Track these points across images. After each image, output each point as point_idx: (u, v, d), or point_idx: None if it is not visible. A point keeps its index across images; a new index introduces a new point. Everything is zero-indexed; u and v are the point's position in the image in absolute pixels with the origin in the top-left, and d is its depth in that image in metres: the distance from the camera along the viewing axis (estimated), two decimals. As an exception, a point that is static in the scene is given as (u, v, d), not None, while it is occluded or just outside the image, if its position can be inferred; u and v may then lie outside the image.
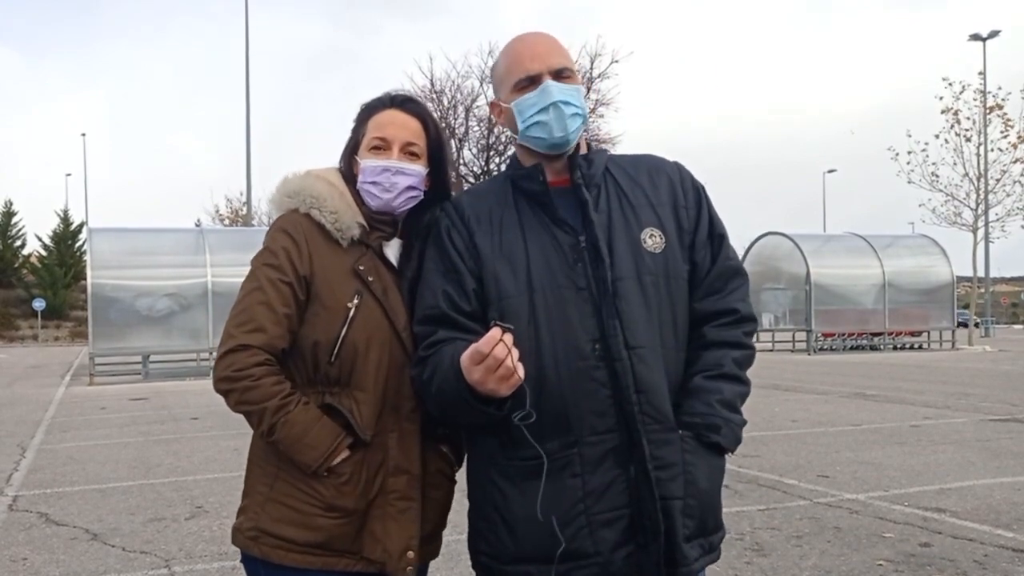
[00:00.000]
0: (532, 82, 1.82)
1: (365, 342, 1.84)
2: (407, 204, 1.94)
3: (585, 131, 1.91)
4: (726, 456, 1.84)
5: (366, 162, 1.92)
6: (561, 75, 1.83)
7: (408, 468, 1.87)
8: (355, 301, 1.84)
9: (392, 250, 1.96)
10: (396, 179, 1.90)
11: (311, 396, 1.85)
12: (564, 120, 1.80)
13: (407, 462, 1.88)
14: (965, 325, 29.04)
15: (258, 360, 1.79)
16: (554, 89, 1.80)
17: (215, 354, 1.88)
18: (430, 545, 1.96)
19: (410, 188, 1.92)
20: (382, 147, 1.92)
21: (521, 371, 1.60)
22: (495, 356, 1.57)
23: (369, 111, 1.97)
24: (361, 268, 1.87)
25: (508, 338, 1.58)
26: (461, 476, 1.98)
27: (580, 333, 1.75)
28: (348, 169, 1.97)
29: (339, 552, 1.83)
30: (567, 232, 1.80)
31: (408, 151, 1.92)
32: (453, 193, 2.01)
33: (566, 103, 1.80)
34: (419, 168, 1.93)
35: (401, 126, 1.93)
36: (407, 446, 1.88)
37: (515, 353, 1.59)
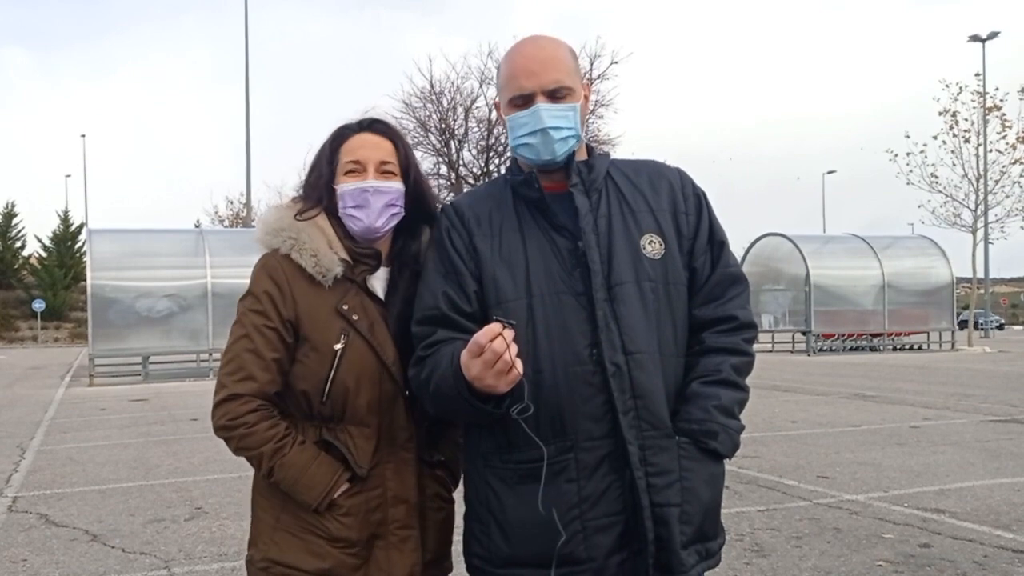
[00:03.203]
0: (524, 101, 1.81)
1: (355, 381, 1.86)
2: (389, 223, 1.94)
3: (584, 132, 1.90)
4: (724, 461, 1.83)
5: (343, 187, 1.92)
6: (556, 94, 1.80)
7: (406, 497, 1.90)
8: (341, 343, 1.85)
9: (378, 282, 1.96)
10: (375, 199, 1.90)
11: (309, 430, 1.88)
12: (552, 145, 1.79)
13: (404, 491, 1.90)
14: (972, 325, 28.95)
15: (251, 407, 1.83)
16: (544, 114, 1.78)
17: (212, 401, 1.91)
18: (440, 567, 1.99)
19: (389, 206, 1.92)
20: (357, 170, 1.92)
21: (520, 367, 1.60)
22: (494, 349, 1.56)
23: (340, 139, 1.96)
24: (345, 307, 1.87)
25: (508, 333, 1.57)
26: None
27: (578, 338, 1.74)
28: (327, 200, 1.95)
29: None
30: (566, 237, 1.80)
31: (383, 170, 1.93)
32: (442, 205, 2.01)
33: (555, 128, 1.79)
34: (396, 185, 1.94)
35: (373, 147, 1.94)
36: (404, 475, 1.91)
37: (514, 349, 1.58)
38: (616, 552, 1.72)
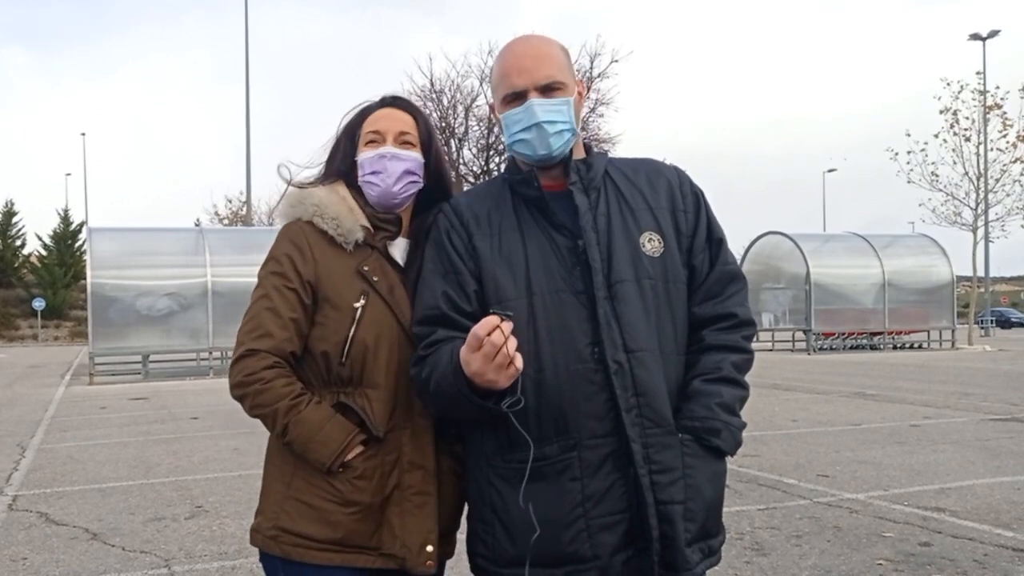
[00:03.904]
0: (518, 98, 1.81)
1: (374, 340, 1.87)
2: (407, 190, 1.97)
3: (584, 131, 1.90)
4: (726, 459, 1.83)
5: (363, 155, 1.97)
6: (549, 89, 1.81)
7: (422, 463, 1.89)
8: (361, 301, 1.87)
9: (398, 250, 1.99)
10: (392, 164, 1.94)
11: (326, 397, 1.88)
12: (547, 139, 1.80)
13: (421, 457, 1.90)
14: (1003, 323, 28.78)
15: (267, 364, 1.83)
16: (538, 109, 1.79)
17: (229, 361, 1.92)
18: (446, 544, 1.97)
19: (408, 172, 1.95)
20: (377, 140, 1.97)
21: (519, 361, 1.59)
22: (492, 342, 1.56)
23: (361, 115, 2.01)
24: (366, 269, 1.90)
25: (506, 326, 1.57)
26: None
27: (579, 336, 1.74)
28: (349, 173, 2.00)
29: (358, 548, 1.85)
30: (565, 236, 1.80)
31: (402, 140, 1.97)
32: (453, 192, 2.04)
33: (550, 122, 1.79)
34: (414, 154, 1.98)
35: (393, 119, 1.99)
36: (421, 442, 1.90)
37: (512, 342, 1.57)
38: (621, 550, 1.72)
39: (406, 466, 1.88)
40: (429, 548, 1.86)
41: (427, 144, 2.01)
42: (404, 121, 1.99)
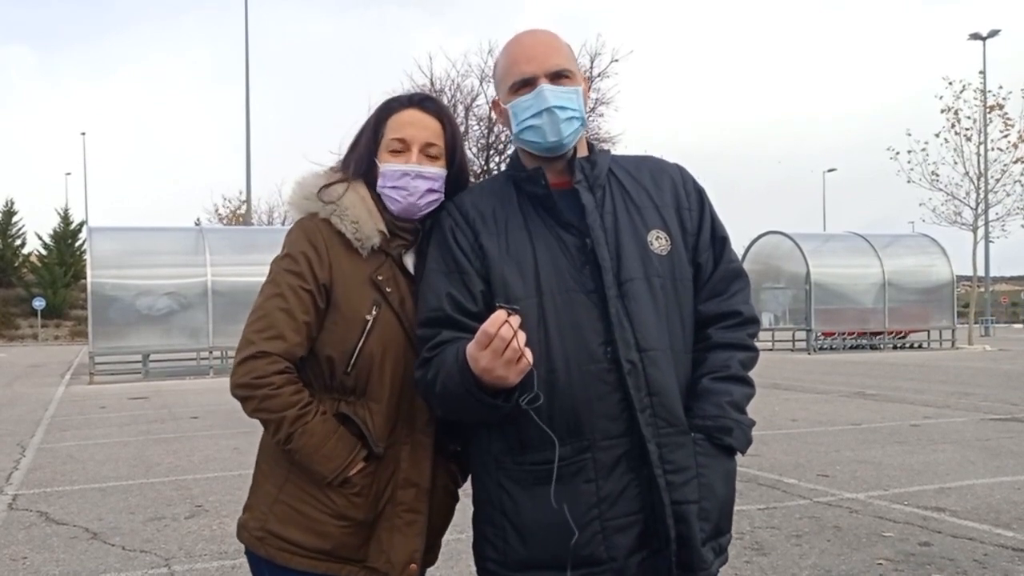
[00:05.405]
0: (527, 85, 1.79)
1: (381, 353, 1.83)
2: (428, 208, 1.91)
3: (586, 130, 1.88)
4: (736, 457, 1.82)
5: (386, 166, 1.89)
6: (559, 77, 1.79)
7: (418, 481, 1.87)
8: (373, 312, 1.83)
9: (410, 258, 1.94)
10: (416, 183, 1.88)
11: (326, 403, 1.85)
12: (558, 125, 1.77)
13: (417, 475, 1.87)
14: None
15: (278, 368, 1.78)
16: (548, 94, 1.76)
17: (233, 358, 1.88)
18: (429, 553, 1.96)
19: (430, 191, 1.89)
20: (401, 149, 1.89)
21: (529, 355, 1.56)
22: (501, 336, 1.53)
23: (387, 111, 1.94)
24: (380, 278, 1.85)
25: (515, 320, 1.54)
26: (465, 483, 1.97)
27: (591, 336, 1.71)
28: (367, 172, 1.93)
29: (344, 560, 1.84)
30: (573, 234, 1.77)
31: (427, 152, 1.90)
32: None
33: (561, 108, 1.77)
34: (438, 171, 1.90)
35: (421, 127, 1.90)
36: (418, 459, 1.87)
37: (522, 336, 1.55)
38: (636, 551, 1.71)
39: (401, 482, 1.86)
40: (413, 567, 1.85)
41: (452, 153, 1.93)
42: (431, 129, 1.91)
